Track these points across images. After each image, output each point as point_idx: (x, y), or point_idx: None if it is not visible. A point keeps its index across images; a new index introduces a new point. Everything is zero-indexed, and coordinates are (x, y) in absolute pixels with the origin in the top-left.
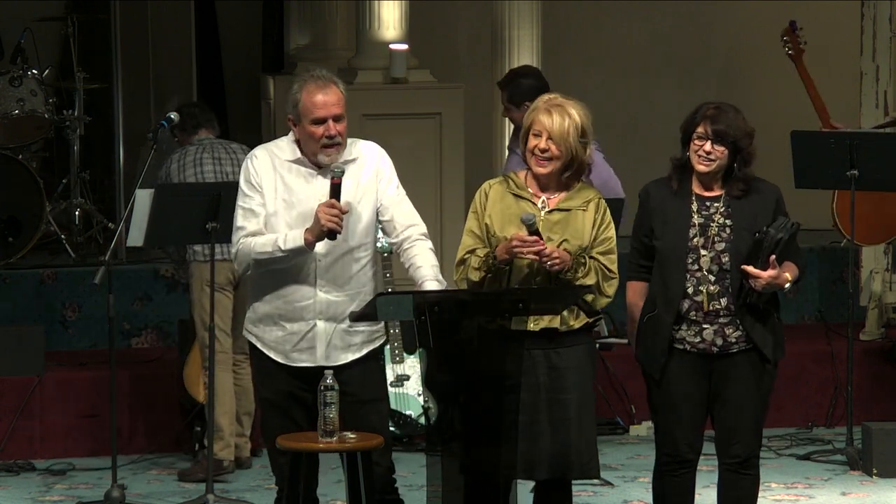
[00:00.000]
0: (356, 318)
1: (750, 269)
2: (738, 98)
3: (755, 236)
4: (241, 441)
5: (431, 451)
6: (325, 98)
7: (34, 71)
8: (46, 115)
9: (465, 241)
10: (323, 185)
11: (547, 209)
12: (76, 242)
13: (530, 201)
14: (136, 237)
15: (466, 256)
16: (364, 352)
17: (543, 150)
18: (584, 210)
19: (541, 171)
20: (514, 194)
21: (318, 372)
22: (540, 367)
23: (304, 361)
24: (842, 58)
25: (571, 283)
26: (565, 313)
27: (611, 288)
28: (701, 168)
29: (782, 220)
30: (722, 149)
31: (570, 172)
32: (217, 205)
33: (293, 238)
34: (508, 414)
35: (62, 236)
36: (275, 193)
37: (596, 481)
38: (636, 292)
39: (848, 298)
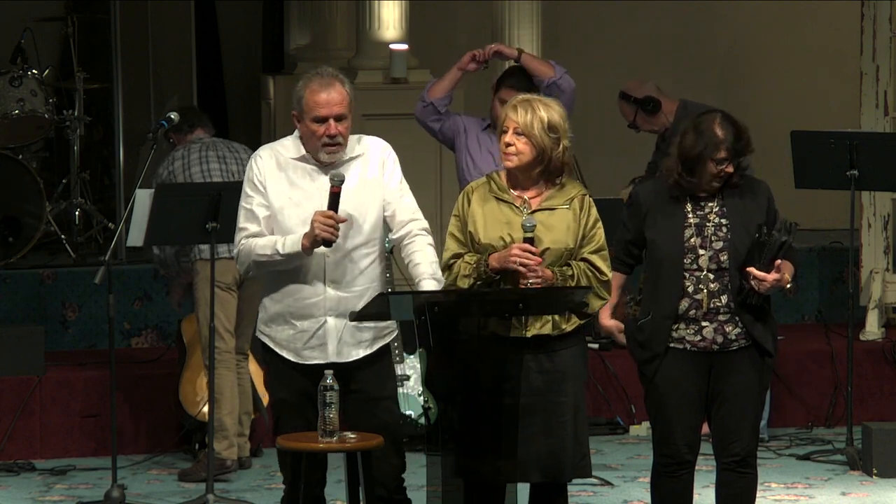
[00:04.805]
0: (355, 318)
1: (755, 271)
2: (738, 98)
3: (756, 237)
4: (240, 441)
5: (431, 451)
6: (328, 97)
7: (34, 71)
8: (46, 115)
9: (449, 245)
10: (326, 182)
11: (529, 210)
12: (76, 242)
13: (513, 204)
14: (136, 237)
15: (453, 262)
16: (375, 348)
17: (508, 145)
18: (567, 208)
19: (508, 164)
20: (496, 197)
21: (329, 368)
22: (533, 372)
23: (315, 359)
24: (842, 58)
25: (571, 285)
26: (557, 317)
27: (605, 290)
28: (716, 185)
29: (781, 221)
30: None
31: (541, 168)
32: (217, 205)
33: (291, 243)
34: (508, 415)
35: (62, 236)
36: (280, 192)
37: (595, 481)
38: (616, 283)
39: (848, 298)
